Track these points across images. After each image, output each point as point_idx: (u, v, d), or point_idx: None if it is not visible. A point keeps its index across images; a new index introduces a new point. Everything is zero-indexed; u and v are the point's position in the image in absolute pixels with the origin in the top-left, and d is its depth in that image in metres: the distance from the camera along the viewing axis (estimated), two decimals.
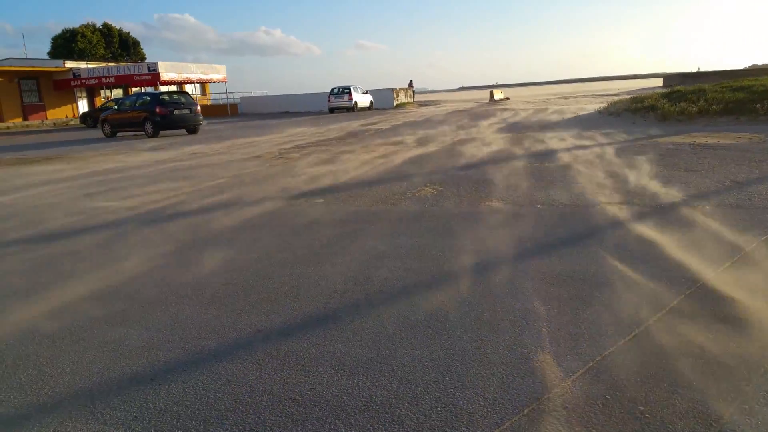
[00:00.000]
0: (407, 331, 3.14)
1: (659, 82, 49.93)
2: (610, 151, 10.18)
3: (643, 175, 7.53)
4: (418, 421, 2.31)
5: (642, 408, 2.30)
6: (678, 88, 19.27)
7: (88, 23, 57.27)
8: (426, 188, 7.49)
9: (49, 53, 54.96)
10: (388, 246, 4.84)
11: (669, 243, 4.46)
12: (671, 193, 6.34)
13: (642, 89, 43.29)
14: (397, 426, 2.29)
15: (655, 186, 6.80)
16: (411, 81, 43.82)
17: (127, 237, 5.75)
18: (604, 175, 7.68)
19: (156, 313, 3.63)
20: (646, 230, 4.88)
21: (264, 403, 2.53)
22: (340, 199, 7.15)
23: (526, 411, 2.33)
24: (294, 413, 2.43)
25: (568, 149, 10.83)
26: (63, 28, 55.94)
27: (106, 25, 58.89)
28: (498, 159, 10.04)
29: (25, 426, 2.46)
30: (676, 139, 11.44)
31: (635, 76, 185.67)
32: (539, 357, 2.76)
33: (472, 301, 3.49)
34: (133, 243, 5.49)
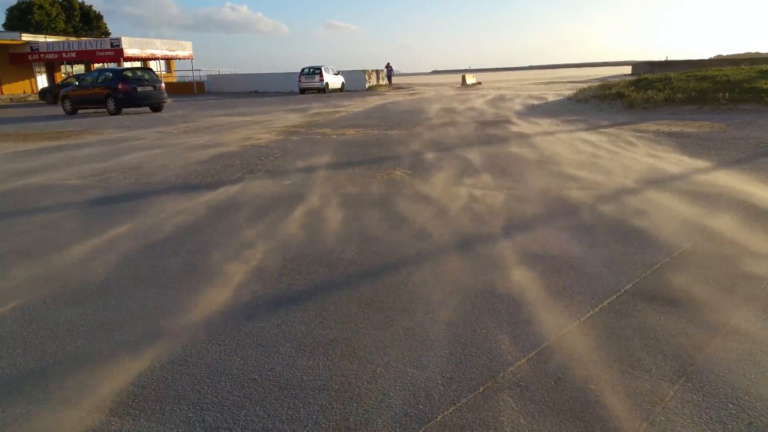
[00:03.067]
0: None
1: (628, 69, 50.66)
2: (567, 137, 10.29)
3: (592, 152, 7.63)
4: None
5: None
6: (645, 76, 19.49)
7: None
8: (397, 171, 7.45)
9: (3, 25, 52.72)
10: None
11: None
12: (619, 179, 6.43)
13: (611, 76, 43.88)
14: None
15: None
16: (389, 63, 43.41)
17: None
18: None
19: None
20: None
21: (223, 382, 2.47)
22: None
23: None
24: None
25: (527, 135, 10.91)
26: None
27: None
28: (464, 140, 10.06)
29: None
30: (641, 126, 11.63)
31: (606, 64, 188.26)
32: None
33: None
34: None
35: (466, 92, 30.75)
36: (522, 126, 12.40)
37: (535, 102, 19.98)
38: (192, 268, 3.93)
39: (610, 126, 11.82)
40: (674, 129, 10.88)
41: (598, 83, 20.88)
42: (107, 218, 5.43)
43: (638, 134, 10.32)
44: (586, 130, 11.33)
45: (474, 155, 8.45)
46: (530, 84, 38.74)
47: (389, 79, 43.87)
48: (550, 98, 21.29)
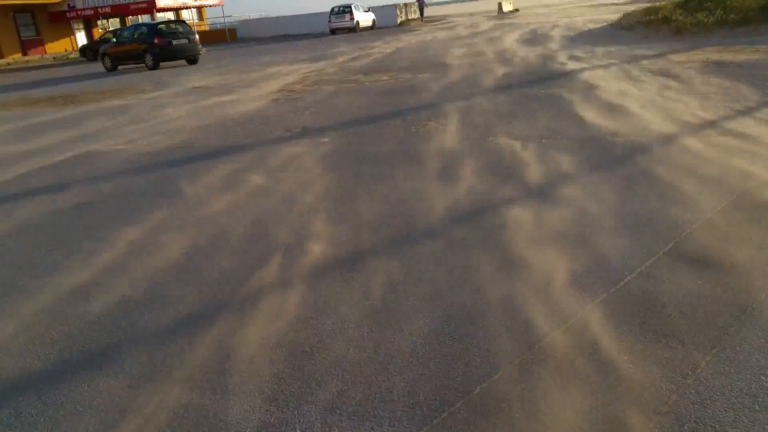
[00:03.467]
0: None
1: None
2: (603, 73, 9.93)
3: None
4: None
5: None
6: None
7: None
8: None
9: None
10: None
11: None
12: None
13: None
14: None
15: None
16: None
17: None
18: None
19: None
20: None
21: None
22: None
23: None
24: None
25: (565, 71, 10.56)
26: None
27: None
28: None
29: None
30: (687, 56, 11.07)
31: None
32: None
33: None
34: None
35: (502, 23, 29.59)
36: (559, 59, 11.99)
37: (572, 33, 19.12)
38: None
39: (653, 57, 11.30)
40: (725, 57, 10.30)
41: (644, 7, 19.71)
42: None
43: (684, 66, 9.85)
44: (623, 62, 10.87)
45: (503, 98, 8.32)
46: (573, 7, 36.81)
47: (421, 13, 42.19)
48: (592, 26, 20.32)
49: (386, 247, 3.68)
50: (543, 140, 5.95)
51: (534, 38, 18.28)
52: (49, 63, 32.28)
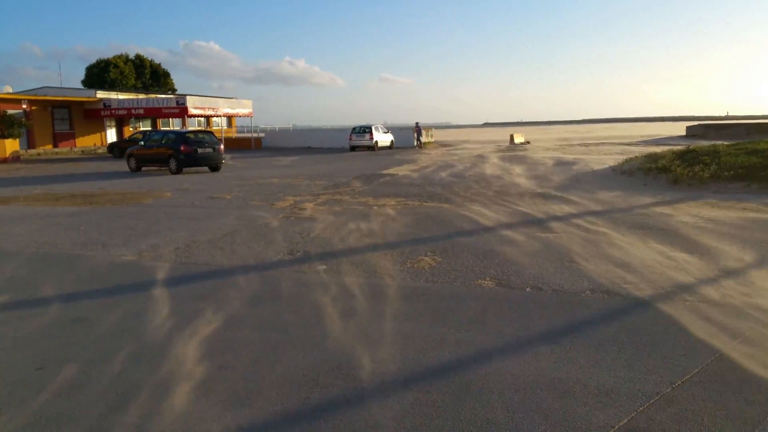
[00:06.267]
0: None
1: (683, 128, 49.96)
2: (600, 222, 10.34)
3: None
4: None
5: None
6: (693, 147, 19.31)
7: (121, 54, 59.53)
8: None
9: (83, 81, 57.09)
10: None
11: None
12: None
13: (664, 138, 43.45)
14: None
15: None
16: (417, 123, 42.79)
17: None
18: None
19: None
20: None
21: None
22: None
23: None
24: None
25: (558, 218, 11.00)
26: (93, 54, 58.26)
27: (138, 56, 61.12)
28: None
29: None
30: (681, 208, 11.53)
31: (662, 119, 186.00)
32: None
33: None
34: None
35: (512, 153, 30.99)
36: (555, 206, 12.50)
37: (577, 171, 20.00)
38: None
39: (652, 205, 11.79)
40: (714, 214, 10.73)
41: (646, 154, 20.73)
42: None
43: (681, 220, 10.27)
44: (622, 211, 11.34)
45: (518, 238, 8.66)
46: (579, 145, 38.59)
47: (419, 140, 41.05)
48: (595, 166, 21.26)
49: None
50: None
51: (536, 177, 19.08)
52: (78, 156, 33.94)
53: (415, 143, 40.43)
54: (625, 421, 3.38)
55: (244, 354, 4.58)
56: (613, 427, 3.31)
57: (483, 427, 3.36)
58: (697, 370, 4.08)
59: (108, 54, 61.30)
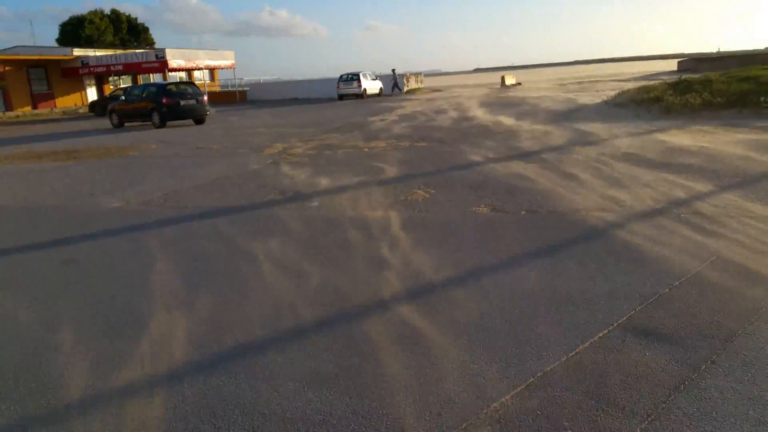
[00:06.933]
0: None
1: (675, 64, 49.32)
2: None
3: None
4: None
5: None
6: (685, 78, 19.02)
7: (96, 10, 57.45)
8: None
9: (57, 40, 55.23)
10: None
11: None
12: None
13: (656, 74, 42.87)
14: None
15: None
16: (393, 70, 41.46)
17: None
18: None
19: None
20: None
21: None
22: None
23: None
24: None
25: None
26: (67, 14, 55.91)
27: (114, 11, 59.05)
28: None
29: None
30: (673, 134, 11.44)
31: (654, 57, 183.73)
32: None
33: None
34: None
35: (504, 94, 30.59)
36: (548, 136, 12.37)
37: (569, 107, 19.77)
38: None
39: (643, 133, 11.68)
40: (705, 138, 10.64)
41: (638, 86, 20.47)
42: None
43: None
44: (613, 138, 11.23)
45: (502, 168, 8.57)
46: (572, 84, 38.09)
47: (399, 87, 39.40)
48: (587, 101, 21.01)
49: None
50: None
51: (526, 115, 18.85)
52: (59, 117, 33.17)
53: (393, 90, 39.04)
54: (624, 318, 3.37)
55: (236, 286, 4.53)
56: (612, 324, 3.30)
57: (482, 327, 3.34)
58: (695, 271, 4.07)
59: (83, 11, 59.12)
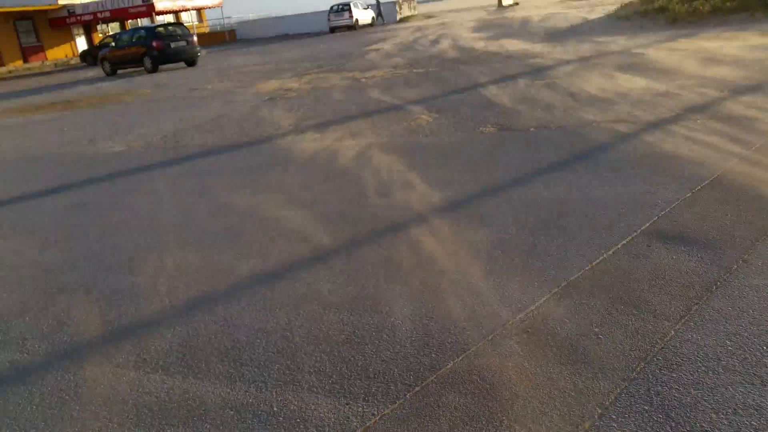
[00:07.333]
0: None
1: None
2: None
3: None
4: None
5: None
6: None
7: None
8: None
9: None
10: None
11: None
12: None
13: None
14: None
15: None
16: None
17: None
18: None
19: None
20: None
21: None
22: None
23: None
24: None
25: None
26: None
27: None
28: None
29: None
30: (680, 43, 11.03)
31: None
32: None
33: None
34: None
35: (501, 16, 29.51)
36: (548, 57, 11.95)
37: (571, 23, 19.07)
38: None
39: (649, 44, 11.26)
40: (713, 45, 10.25)
41: None
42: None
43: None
44: (617, 53, 10.83)
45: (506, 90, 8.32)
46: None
47: (380, 16, 37.64)
48: (591, 16, 20.25)
49: None
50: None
51: (528, 31, 18.21)
52: (50, 69, 32.44)
53: (377, 20, 37.27)
54: (648, 224, 3.29)
55: (246, 217, 4.46)
56: (636, 231, 3.23)
57: (500, 242, 3.28)
58: (717, 175, 3.96)
59: None
